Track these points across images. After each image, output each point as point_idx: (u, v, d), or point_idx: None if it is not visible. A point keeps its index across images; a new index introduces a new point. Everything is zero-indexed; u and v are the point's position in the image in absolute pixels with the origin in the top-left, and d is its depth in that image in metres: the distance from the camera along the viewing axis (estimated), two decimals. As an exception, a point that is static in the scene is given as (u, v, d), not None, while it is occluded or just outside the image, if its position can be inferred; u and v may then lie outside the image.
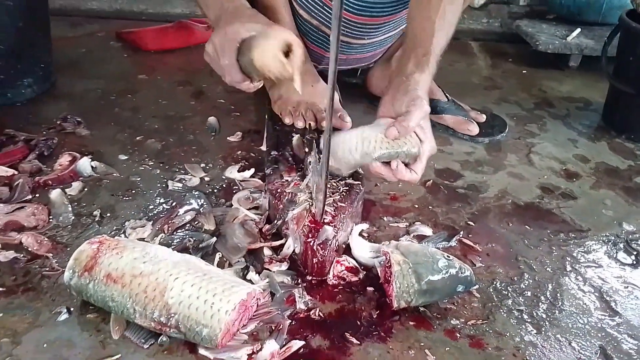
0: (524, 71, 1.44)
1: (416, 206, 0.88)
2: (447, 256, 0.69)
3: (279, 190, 0.78)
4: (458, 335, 0.65)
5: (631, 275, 0.77)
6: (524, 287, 0.73)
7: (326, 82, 1.01)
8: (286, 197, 0.76)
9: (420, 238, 0.80)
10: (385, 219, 0.84)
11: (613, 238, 0.83)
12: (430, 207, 0.88)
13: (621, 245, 0.82)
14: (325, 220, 0.71)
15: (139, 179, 0.89)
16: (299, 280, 0.71)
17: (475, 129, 1.07)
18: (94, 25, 1.56)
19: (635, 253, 0.81)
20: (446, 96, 1.11)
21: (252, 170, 0.91)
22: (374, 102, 1.15)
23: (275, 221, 0.77)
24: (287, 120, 0.96)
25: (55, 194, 0.83)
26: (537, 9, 1.68)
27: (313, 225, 0.70)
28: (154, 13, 1.68)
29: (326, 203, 0.72)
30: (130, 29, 1.45)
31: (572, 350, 0.64)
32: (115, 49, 1.42)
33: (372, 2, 0.96)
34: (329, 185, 0.76)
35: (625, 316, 0.70)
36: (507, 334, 0.65)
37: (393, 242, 0.73)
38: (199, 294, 0.60)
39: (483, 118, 1.10)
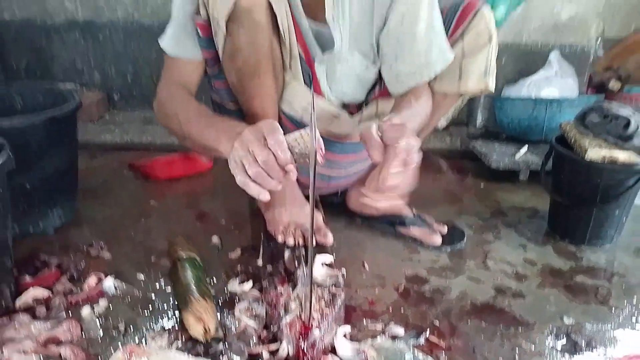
0: (481, 185, 1.67)
1: (390, 309, 1.04)
2: (414, 351, 0.84)
3: (274, 300, 0.94)
4: (425, 419, 0.79)
5: (569, 361, 0.92)
6: (480, 376, 0.88)
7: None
8: (280, 306, 0.92)
9: (394, 337, 0.96)
10: (364, 321, 1.00)
11: (555, 330, 1.00)
12: (402, 309, 1.04)
13: (562, 337, 0.98)
14: (313, 325, 0.87)
15: (155, 296, 1.05)
16: (293, 378, 0.85)
17: (438, 240, 1.26)
18: (108, 157, 1.80)
19: (573, 343, 0.97)
20: (413, 211, 1.32)
21: (251, 283, 1.08)
22: (353, 218, 1.37)
23: (272, 327, 0.93)
24: (280, 239, 1.15)
25: (85, 311, 0.99)
26: (491, 130, 1.96)
27: (303, 329, 0.86)
28: (160, 144, 1.92)
29: (313, 309, 0.89)
30: (140, 159, 1.69)
31: None
32: (129, 178, 1.64)
33: (352, 143, 1.19)
34: (315, 294, 0.93)
35: (564, 397, 0.84)
36: (466, 416, 0.80)
37: (369, 340, 0.88)
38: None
39: (445, 229, 1.29)
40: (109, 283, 1.07)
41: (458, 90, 1.18)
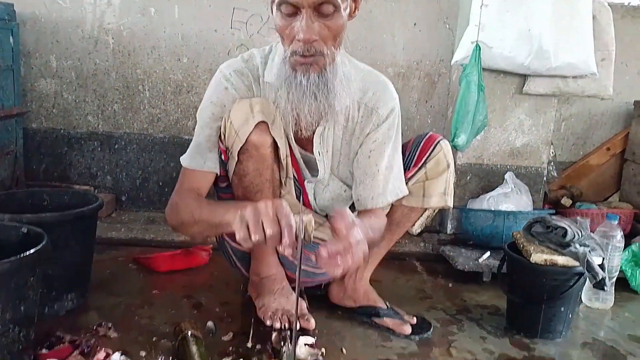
0: (450, 285, 1.87)
1: (363, 388, 1.19)
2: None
3: (262, 374, 1.10)
4: None
5: None
6: None
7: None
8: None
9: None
10: (340, 396, 1.14)
11: (506, 408, 1.14)
12: (374, 387, 1.19)
13: (511, 413, 1.13)
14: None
15: (156, 371, 1.20)
16: None
17: (408, 330, 1.43)
18: (114, 251, 1.98)
19: (521, 418, 1.11)
20: (386, 304, 1.50)
21: (242, 362, 1.22)
22: (334, 309, 1.54)
23: None
24: (268, 323, 1.32)
25: (95, 381, 1.13)
26: (460, 237, 2.19)
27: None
28: (162, 240, 2.12)
29: (297, 380, 1.05)
30: (144, 253, 1.87)
31: None
32: (134, 270, 1.81)
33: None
34: (298, 368, 1.09)
35: None
36: None
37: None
38: None
39: (414, 321, 1.47)
40: (116, 358, 1.21)
41: (422, 205, 1.44)
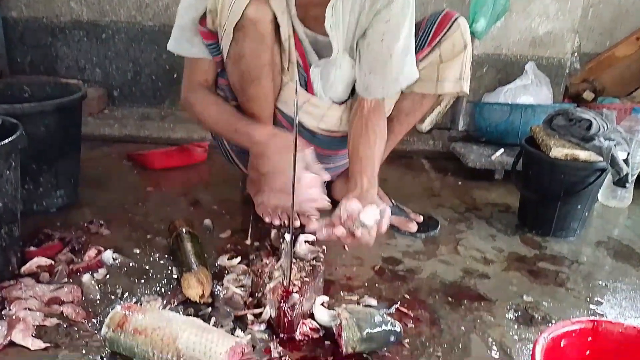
0: (459, 183, 1.78)
1: (366, 284, 1.14)
2: (382, 314, 0.94)
3: (259, 271, 1.04)
4: (391, 372, 0.88)
5: (525, 332, 1.02)
6: (442, 340, 0.97)
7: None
8: (265, 275, 1.02)
9: (368, 306, 1.05)
10: (341, 293, 1.10)
11: (514, 306, 1.10)
12: (376, 284, 1.14)
13: (520, 312, 1.08)
14: (294, 290, 0.96)
15: (150, 267, 1.15)
16: (274, 337, 0.95)
17: (414, 227, 1.36)
18: (107, 148, 1.89)
19: (530, 317, 1.07)
20: (392, 201, 1.42)
21: (239, 259, 1.17)
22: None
23: (257, 294, 1.02)
24: (267, 220, 1.25)
25: (86, 278, 1.08)
26: (472, 134, 2.07)
27: (284, 294, 0.96)
28: (157, 137, 2.02)
29: (294, 279, 0.99)
30: (138, 151, 1.78)
31: (474, 382, 0.88)
32: (127, 167, 1.73)
33: (339, 138, 1.29)
34: (297, 266, 1.03)
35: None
36: (427, 372, 0.89)
37: (344, 305, 0.98)
38: (201, 341, 0.84)
39: (421, 219, 1.40)
40: (108, 255, 1.16)
41: (435, 91, 1.29)
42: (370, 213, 0.99)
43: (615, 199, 1.65)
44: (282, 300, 0.95)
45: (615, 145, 1.34)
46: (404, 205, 1.44)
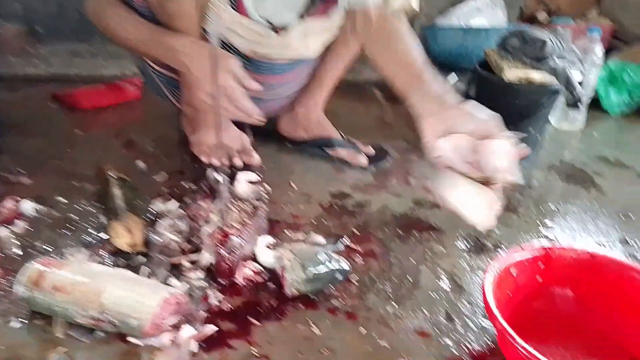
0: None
1: (314, 222, 1.08)
2: (327, 252, 0.89)
3: (196, 214, 0.96)
4: (337, 312, 0.84)
5: (476, 261, 0.99)
6: (392, 275, 0.94)
7: (238, 128, 1.23)
8: (202, 219, 0.94)
9: (315, 244, 1.00)
10: (287, 232, 1.03)
11: (465, 235, 1.07)
12: (324, 221, 1.08)
13: (470, 240, 1.05)
14: (233, 233, 0.89)
15: (76, 217, 1.05)
16: (214, 284, 0.88)
17: (364, 160, 1.30)
18: (31, 90, 1.72)
19: (480, 245, 1.04)
20: (341, 135, 1.35)
21: (175, 202, 1.08)
22: (284, 143, 1.38)
23: (194, 240, 0.95)
24: (205, 160, 1.15)
25: (2, 232, 0.97)
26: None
27: (222, 237, 0.89)
28: (88, 75, 1.85)
29: (234, 221, 0.91)
30: (66, 91, 1.62)
31: (423, 315, 0.85)
32: (53, 109, 1.57)
33: (280, 64, 1.18)
34: (236, 207, 0.95)
35: (468, 290, 0.91)
36: (375, 308, 0.85)
37: (286, 244, 0.92)
38: (128, 295, 0.77)
39: (370, 150, 1.33)
40: (27, 206, 1.05)
41: (382, 5, 1.18)
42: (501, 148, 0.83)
43: (567, 122, 1.63)
44: (219, 244, 0.88)
45: (569, 66, 1.29)
46: (355, 138, 1.37)
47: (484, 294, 0.72)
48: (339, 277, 0.88)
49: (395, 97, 1.82)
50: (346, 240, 1.01)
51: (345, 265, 0.89)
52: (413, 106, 1.01)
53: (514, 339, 0.64)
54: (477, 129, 0.91)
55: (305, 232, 1.04)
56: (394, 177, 1.28)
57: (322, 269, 0.86)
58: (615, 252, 1.05)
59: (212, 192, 1.05)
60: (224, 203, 0.93)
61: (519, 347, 0.63)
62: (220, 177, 1.05)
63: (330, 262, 0.87)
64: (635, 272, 0.79)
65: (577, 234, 1.10)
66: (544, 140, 1.51)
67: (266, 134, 1.37)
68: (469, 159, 0.90)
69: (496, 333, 0.79)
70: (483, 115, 0.91)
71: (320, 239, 1.02)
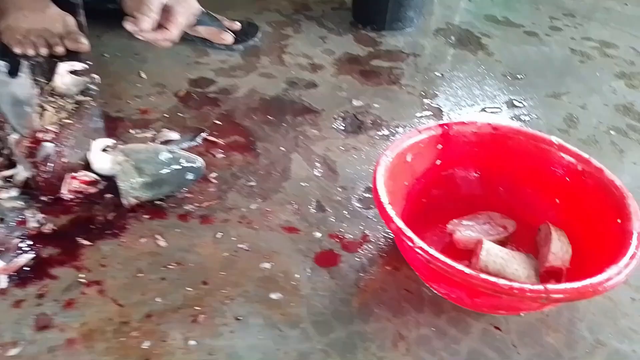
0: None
1: (166, 115, 0.91)
2: (172, 150, 0.74)
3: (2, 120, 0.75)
4: (190, 217, 0.71)
5: (352, 141, 0.89)
6: (258, 167, 0.81)
7: (60, 7, 0.98)
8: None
9: (167, 142, 0.84)
10: (132, 131, 0.86)
11: (342, 114, 0.95)
12: (180, 114, 0.92)
13: (348, 119, 0.94)
14: (46, 138, 0.71)
15: None
16: (33, 203, 0.71)
17: (229, 38, 1.11)
18: None
19: (358, 123, 0.93)
20: (201, 9, 1.13)
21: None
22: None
23: (3, 151, 0.75)
24: (18, 50, 0.91)
25: None
26: None
27: (33, 145, 0.70)
28: None
29: (48, 122, 0.73)
30: None
31: (292, 209, 0.74)
32: None
33: None
34: (53, 105, 0.75)
35: (342, 174, 0.81)
36: (236, 207, 0.73)
37: (120, 146, 0.75)
38: None
39: (237, 26, 1.14)
40: None
41: None
42: None
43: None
44: (31, 155, 0.70)
45: None
46: (218, 13, 1.16)
47: (374, 189, 0.60)
48: (190, 177, 0.74)
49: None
50: (205, 134, 0.86)
51: (198, 163, 0.75)
52: None
53: (411, 240, 0.55)
54: None
55: (156, 129, 0.87)
56: (266, 56, 1.11)
57: (165, 170, 0.71)
58: (503, 116, 0.99)
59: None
60: (35, 100, 0.73)
61: (417, 250, 0.54)
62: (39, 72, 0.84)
63: (176, 161, 0.72)
64: (541, 141, 0.71)
65: (462, 100, 1.02)
66: (431, 3, 1.38)
67: (108, 15, 1.12)
68: None
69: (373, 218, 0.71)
70: None
71: (173, 135, 0.86)
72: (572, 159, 0.70)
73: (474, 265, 0.63)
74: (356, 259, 0.67)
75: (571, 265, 0.65)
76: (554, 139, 0.71)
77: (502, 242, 0.68)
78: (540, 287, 0.51)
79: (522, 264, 0.63)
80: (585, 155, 0.69)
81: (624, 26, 1.39)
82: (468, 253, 0.67)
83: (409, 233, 0.56)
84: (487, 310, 0.62)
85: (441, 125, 0.72)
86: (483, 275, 0.52)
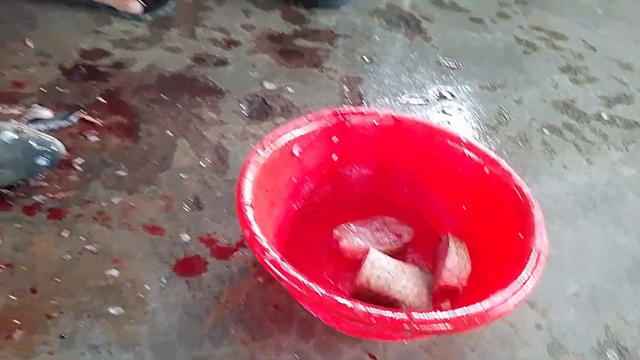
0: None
1: (43, 90, 0.79)
2: (19, 129, 0.62)
3: None
4: (37, 210, 0.61)
5: (253, 128, 0.79)
6: (134, 153, 0.71)
7: None
8: None
9: (34, 120, 0.73)
10: (-3, 107, 0.75)
11: (250, 97, 0.85)
12: (59, 88, 0.80)
13: (254, 103, 0.84)
14: None
15: None
16: None
17: (136, 6, 0.99)
18: None
19: (266, 109, 0.83)
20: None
21: None
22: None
23: None
24: None
25: None
26: None
27: None
28: None
29: None
30: None
31: (162, 204, 0.64)
32: None
33: None
34: None
35: (232, 166, 0.71)
36: (95, 201, 0.63)
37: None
38: None
39: (147, -7, 1.02)
40: None
41: None
42: None
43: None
44: None
45: None
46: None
47: (238, 186, 0.51)
48: (43, 162, 0.63)
49: None
50: (83, 113, 0.75)
51: (54, 146, 0.64)
52: None
53: (263, 251, 0.45)
54: None
55: (26, 105, 0.76)
56: (176, 28, 1.00)
57: (6, 154, 0.60)
58: (428, 109, 0.90)
59: None
60: None
61: (267, 262, 0.44)
62: None
63: (23, 143, 0.61)
64: (449, 138, 0.63)
65: (388, 90, 0.93)
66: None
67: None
68: None
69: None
70: None
71: (45, 112, 0.74)
72: (480, 160, 0.61)
73: (355, 280, 0.54)
74: (225, 268, 0.58)
75: (472, 283, 0.57)
76: (462, 135, 0.63)
77: (395, 252, 0.60)
78: (403, 315, 0.42)
79: (412, 279, 0.55)
80: (494, 156, 0.61)
81: (579, 16, 1.32)
82: (358, 263, 0.59)
83: (264, 243, 0.46)
84: (361, 335, 0.53)
85: (335, 114, 0.62)
86: (339, 298, 0.43)
